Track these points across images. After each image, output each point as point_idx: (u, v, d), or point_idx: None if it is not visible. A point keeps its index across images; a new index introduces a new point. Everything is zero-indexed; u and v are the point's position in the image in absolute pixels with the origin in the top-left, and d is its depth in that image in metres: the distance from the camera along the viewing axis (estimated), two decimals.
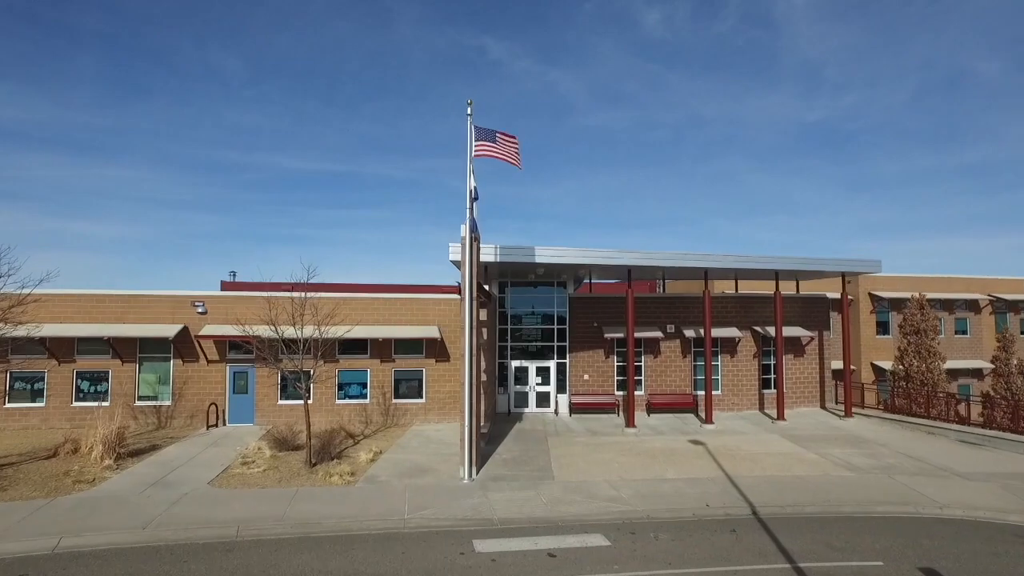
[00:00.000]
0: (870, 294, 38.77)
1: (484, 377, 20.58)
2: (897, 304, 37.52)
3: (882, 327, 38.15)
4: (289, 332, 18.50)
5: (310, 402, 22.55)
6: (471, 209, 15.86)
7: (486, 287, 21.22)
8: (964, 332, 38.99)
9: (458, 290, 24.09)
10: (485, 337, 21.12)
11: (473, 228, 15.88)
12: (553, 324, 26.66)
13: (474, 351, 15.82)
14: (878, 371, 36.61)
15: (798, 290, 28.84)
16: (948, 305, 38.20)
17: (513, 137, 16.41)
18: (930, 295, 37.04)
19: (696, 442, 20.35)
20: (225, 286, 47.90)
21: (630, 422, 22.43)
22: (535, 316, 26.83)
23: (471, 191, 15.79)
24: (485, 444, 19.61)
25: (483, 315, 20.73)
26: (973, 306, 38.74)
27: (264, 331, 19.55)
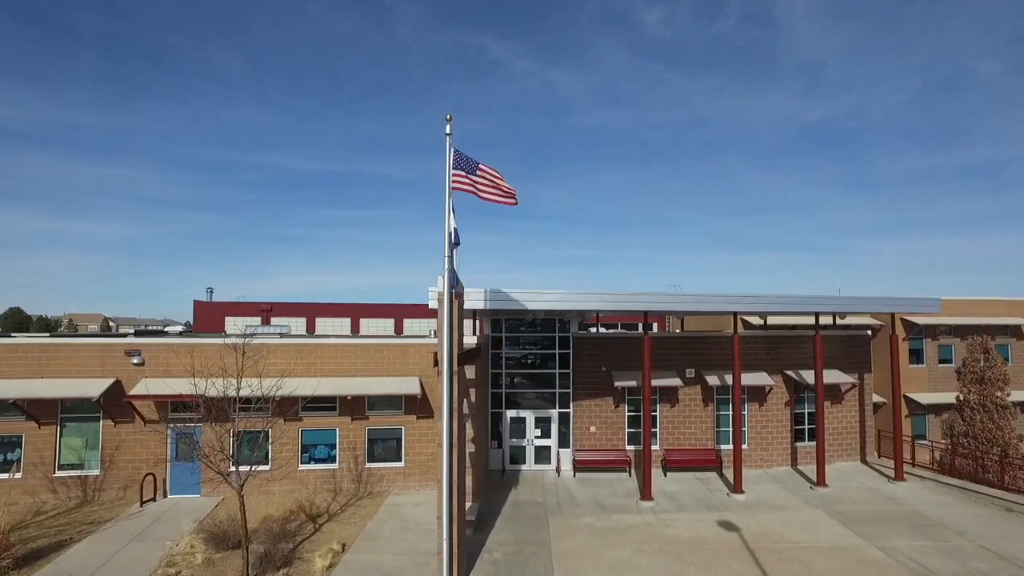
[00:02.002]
0: (902, 320, 35.29)
1: (472, 447, 17.06)
2: (932, 331, 34.05)
3: (915, 355, 34.61)
4: (239, 390, 15.00)
5: (265, 469, 19.13)
6: (451, 258, 12.32)
7: (474, 341, 17.71)
8: (1004, 360, 35.54)
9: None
10: (474, 399, 17.61)
11: (453, 282, 12.35)
12: (555, 368, 23.12)
13: (454, 445, 12.29)
14: (912, 404, 33.15)
15: (835, 321, 25.33)
16: (988, 331, 34.69)
17: (497, 173, 12.92)
18: (967, 320, 33.61)
19: (728, 525, 16.82)
20: (198, 307, 44.40)
21: (646, 494, 18.88)
22: (534, 359, 23.29)
23: (450, 234, 12.26)
24: (472, 532, 16.09)
25: (470, 372, 17.20)
26: (1015, 331, 35.23)
27: (211, 390, 16.08)
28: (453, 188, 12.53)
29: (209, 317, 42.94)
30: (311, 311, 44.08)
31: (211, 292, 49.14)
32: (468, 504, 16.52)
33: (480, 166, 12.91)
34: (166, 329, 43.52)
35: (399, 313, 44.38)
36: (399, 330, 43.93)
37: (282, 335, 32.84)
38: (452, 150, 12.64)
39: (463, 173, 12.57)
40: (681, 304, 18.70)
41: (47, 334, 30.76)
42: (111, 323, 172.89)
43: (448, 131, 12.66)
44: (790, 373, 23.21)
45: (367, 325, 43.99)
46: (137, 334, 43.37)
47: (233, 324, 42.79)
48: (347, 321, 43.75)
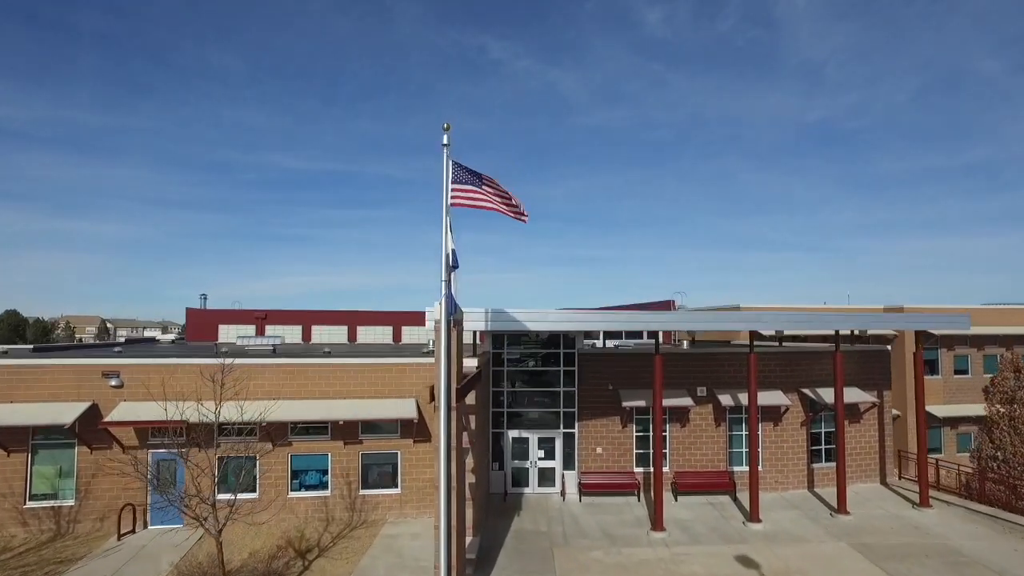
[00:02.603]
0: (915, 330, 34.23)
1: (472, 477, 15.92)
2: (948, 341, 32.86)
3: (930, 366, 33.46)
4: (221, 415, 14.00)
5: (253, 497, 18.01)
6: (448, 282, 11.15)
7: (474, 364, 16.55)
8: None
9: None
10: (474, 425, 16.48)
11: (451, 309, 11.19)
12: (559, 386, 21.95)
13: (452, 488, 11.14)
14: (927, 417, 32.06)
15: (853, 333, 24.15)
16: (1005, 341, 33.51)
17: (505, 191, 11.78)
18: (987, 331, 32.48)
19: (747, 561, 15.67)
20: (191, 314, 43.22)
21: (657, 524, 17.72)
22: (537, 376, 22.13)
23: (447, 256, 11.09)
24: (472, 571, 14.95)
25: (471, 398, 16.07)
26: None
27: (194, 415, 15.06)
28: (452, 205, 11.37)
29: (202, 325, 41.76)
30: (307, 319, 42.91)
31: (204, 299, 48.01)
32: (468, 539, 15.38)
33: (484, 177, 11.74)
34: (159, 338, 42.40)
35: (398, 321, 43.21)
36: (397, 339, 42.80)
37: (275, 348, 31.73)
38: (450, 162, 11.48)
39: (464, 187, 11.41)
40: (696, 323, 17.57)
41: (30, 346, 29.65)
42: (109, 325, 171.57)
43: (445, 141, 11.51)
44: (806, 391, 22.05)
45: (364, 333, 42.83)
46: (128, 343, 42.29)
47: (227, 332, 41.66)
48: (344, 329, 42.58)
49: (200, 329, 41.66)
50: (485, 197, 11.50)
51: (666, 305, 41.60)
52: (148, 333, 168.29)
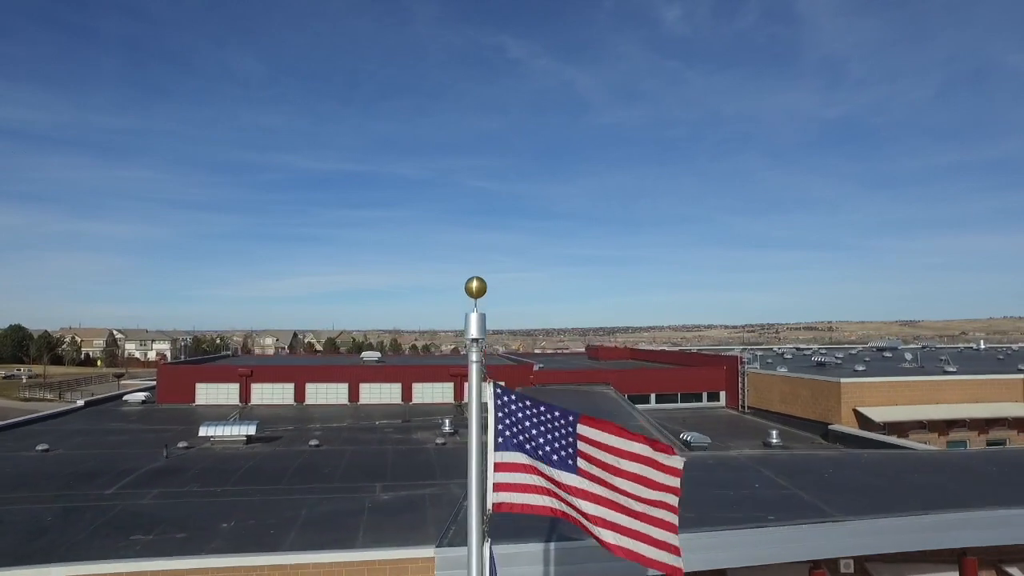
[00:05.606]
0: None
1: None
2: None
3: None
4: None
5: None
6: None
7: None
8: None
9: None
10: None
11: None
12: None
13: None
14: None
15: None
16: None
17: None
18: None
19: None
20: (163, 372, 36.84)
21: None
22: None
23: None
24: None
25: None
26: None
27: None
28: (495, 510, 4.56)
29: (177, 384, 35.43)
30: (300, 375, 36.43)
31: (187, 344, 41.72)
32: None
33: (580, 424, 4.84)
34: (128, 399, 36.24)
35: (407, 377, 36.57)
36: (407, 398, 36.20)
37: (248, 438, 25.40)
38: (492, 391, 4.65)
39: (514, 483, 4.55)
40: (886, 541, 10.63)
41: None
42: (118, 336, 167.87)
43: (475, 334, 4.66)
44: (1012, 571, 14.99)
45: (368, 391, 36.24)
46: (88, 405, 36.20)
47: (205, 393, 35.45)
48: (344, 387, 36.04)
49: (175, 388, 35.41)
50: (587, 491, 4.62)
51: (732, 362, 34.62)
52: (157, 346, 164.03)
